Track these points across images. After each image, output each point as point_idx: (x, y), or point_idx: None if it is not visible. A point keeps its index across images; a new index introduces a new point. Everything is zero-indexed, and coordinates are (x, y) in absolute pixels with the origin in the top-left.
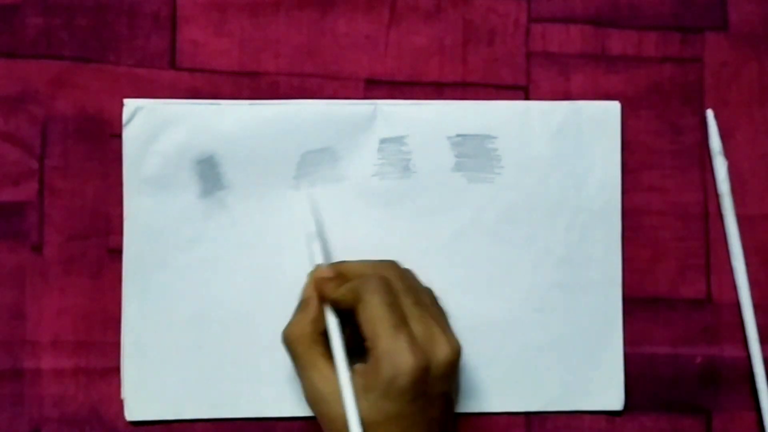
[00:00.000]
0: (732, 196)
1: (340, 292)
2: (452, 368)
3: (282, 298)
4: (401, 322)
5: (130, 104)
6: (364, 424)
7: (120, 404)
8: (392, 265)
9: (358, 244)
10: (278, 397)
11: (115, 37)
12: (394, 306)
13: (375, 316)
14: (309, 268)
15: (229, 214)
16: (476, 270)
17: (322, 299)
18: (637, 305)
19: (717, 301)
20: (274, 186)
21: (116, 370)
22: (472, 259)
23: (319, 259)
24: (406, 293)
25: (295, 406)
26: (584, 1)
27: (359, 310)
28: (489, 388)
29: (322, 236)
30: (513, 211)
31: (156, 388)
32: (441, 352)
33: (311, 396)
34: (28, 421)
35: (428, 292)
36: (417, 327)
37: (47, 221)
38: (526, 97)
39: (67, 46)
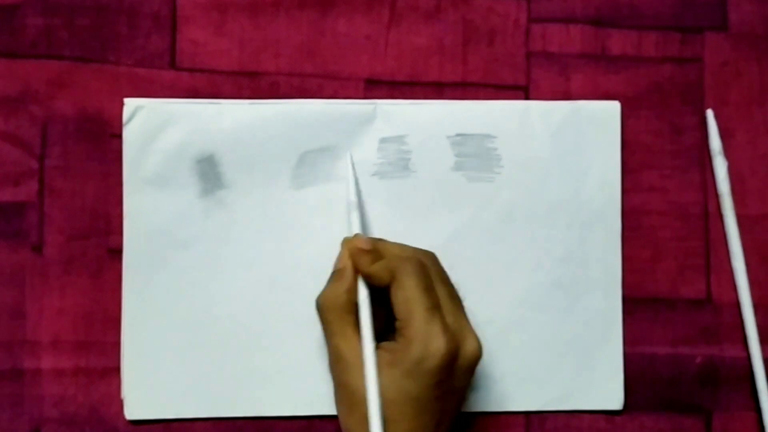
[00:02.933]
0: (732, 196)
1: (375, 268)
2: (476, 364)
3: (282, 296)
4: (435, 307)
5: (130, 104)
6: (381, 399)
7: (120, 404)
8: (430, 254)
9: None
10: (278, 397)
11: (115, 37)
12: (430, 291)
13: (411, 297)
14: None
15: (229, 213)
16: (476, 269)
17: (356, 270)
18: (637, 305)
19: (717, 301)
20: (274, 185)
21: (116, 370)
22: (472, 259)
23: (357, 229)
24: (442, 283)
25: (294, 406)
26: (584, 1)
27: (394, 289)
28: (488, 388)
29: (361, 206)
30: (513, 211)
31: (156, 387)
32: (470, 345)
33: (335, 363)
34: (28, 421)
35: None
36: (449, 317)
37: (47, 221)
38: (526, 97)
39: (67, 46)
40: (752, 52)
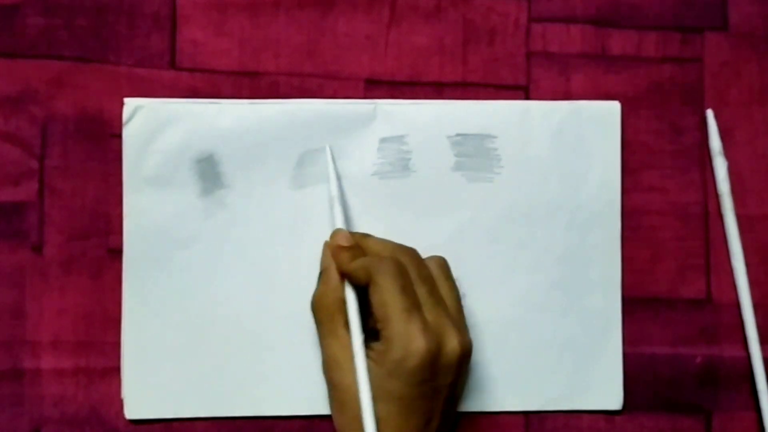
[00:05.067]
0: (732, 196)
1: (353, 267)
2: (461, 361)
3: (282, 296)
4: (413, 306)
5: (130, 103)
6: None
7: (120, 404)
8: (411, 251)
9: None
10: (278, 397)
11: (115, 37)
12: (407, 291)
13: (387, 299)
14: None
15: (229, 213)
16: (475, 269)
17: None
18: (637, 305)
19: (717, 301)
20: (274, 185)
21: (116, 370)
22: (472, 259)
23: (339, 224)
24: (422, 282)
25: (294, 406)
26: (584, 1)
27: (371, 291)
28: (488, 388)
29: (344, 201)
30: (513, 211)
31: (156, 386)
32: (450, 343)
33: (327, 362)
34: (28, 421)
35: (450, 288)
36: (429, 315)
37: (47, 221)
38: (526, 97)
39: (67, 46)
40: (752, 52)
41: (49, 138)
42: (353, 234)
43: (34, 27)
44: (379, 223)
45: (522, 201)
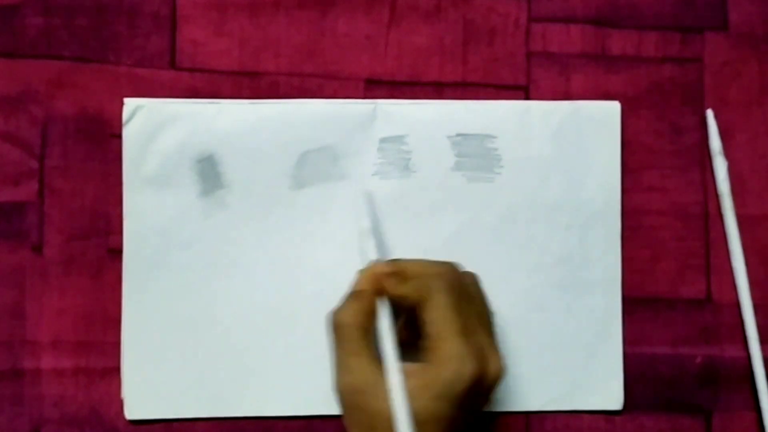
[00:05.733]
0: (732, 196)
1: (405, 290)
2: (498, 385)
3: (282, 296)
4: (466, 327)
5: (130, 103)
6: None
7: (120, 404)
8: (453, 267)
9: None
10: (278, 397)
11: (115, 37)
12: (460, 310)
13: (442, 317)
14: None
15: (229, 213)
16: (476, 269)
17: (380, 293)
18: (637, 305)
19: (717, 301)
20: (273, 185)
21: (116, 370)
22: (472, 259)
23: (374, 255)
24: (468, 299)
25: (294, 406)
26: (584, 1)
27: (426, 308)
28: None
29: (377, 231)
30: (513, 211)
31: (156, 387)
32: (494, 365)
33: (353, 385)
34: (28, 421)
35: (486, 305)
36: (477, 336)
37: (47, 221)
38: (526, 97)
39: (67, 46)
40: (752, 52)
41: (49, 138)
42: (390, 261)
43: (34, 27)
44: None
45: (522, 201)
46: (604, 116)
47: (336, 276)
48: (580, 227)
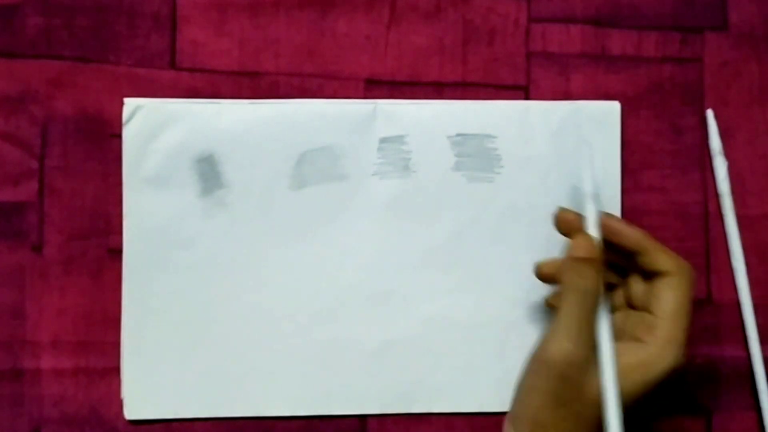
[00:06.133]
0: (732, 196)
1: (666, 259)
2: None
3: (282, 296)
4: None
5: (130, 103)
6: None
7: (120, 404)
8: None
9: (358, 243)
10: (278, 397)
11: (115, 37)
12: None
13: (682, 302)
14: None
15: (229, 213)
16: (476, 269)
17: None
18: None
19: (717, 301)
20: (273, 185)
21: (116, 370)
22: (472, 259)
23: (595, 222)
24: None
25: (294, 406)
26: (584, 1)
27: (667, 283)
28: (489, 388)
29: (597, 196)
30: (513, 211)
31: (156, 387)
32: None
33: (569, 354)
34: (28, 421)
35: None
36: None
37: (47, 221)
38: (526, 97)
39: (67, 46)
40: (752, 52)
41: (49, 138)
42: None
43: (34, 27)
44: (380, 223)
45: (522, 201)
46: (604, 116)
47: (336, 275)
48: None
